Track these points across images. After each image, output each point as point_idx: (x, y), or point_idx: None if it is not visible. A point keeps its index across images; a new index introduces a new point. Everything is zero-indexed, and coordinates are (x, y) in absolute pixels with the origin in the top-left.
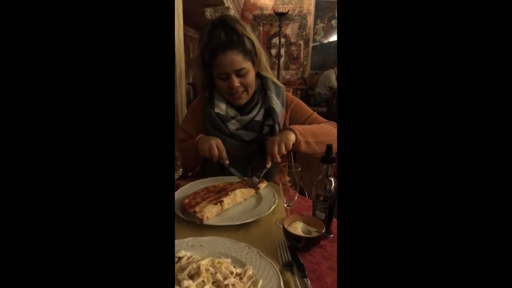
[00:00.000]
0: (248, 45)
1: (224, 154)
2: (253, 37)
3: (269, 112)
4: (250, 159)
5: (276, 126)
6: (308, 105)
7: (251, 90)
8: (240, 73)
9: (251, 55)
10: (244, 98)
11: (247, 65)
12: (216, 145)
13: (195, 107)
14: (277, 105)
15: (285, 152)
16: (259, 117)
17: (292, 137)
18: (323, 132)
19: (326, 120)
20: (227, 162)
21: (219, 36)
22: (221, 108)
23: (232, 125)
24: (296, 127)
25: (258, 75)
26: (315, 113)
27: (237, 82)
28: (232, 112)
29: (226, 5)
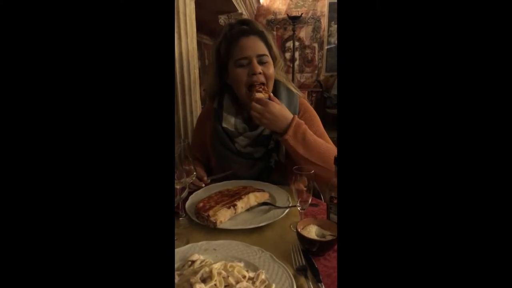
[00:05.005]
0: (269, 41)
1: None
2: (271, 38)
3: None
4: (257, 179)
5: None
6: (324, 107)
7: (271, 85)
8: (262, 60)
9: (270, 51)
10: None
11: (269, 55)
12: None
13: (201, 122)
14: None
15: None
16: (267, 131)
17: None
18: (322, 150)
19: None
20: None
21: (241, 26)
22: (229, 122)
23: (241, 141)
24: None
25: None
26: (326, 134)
27: (259, 68)
28: (240, 127)
29: (240, 11)
